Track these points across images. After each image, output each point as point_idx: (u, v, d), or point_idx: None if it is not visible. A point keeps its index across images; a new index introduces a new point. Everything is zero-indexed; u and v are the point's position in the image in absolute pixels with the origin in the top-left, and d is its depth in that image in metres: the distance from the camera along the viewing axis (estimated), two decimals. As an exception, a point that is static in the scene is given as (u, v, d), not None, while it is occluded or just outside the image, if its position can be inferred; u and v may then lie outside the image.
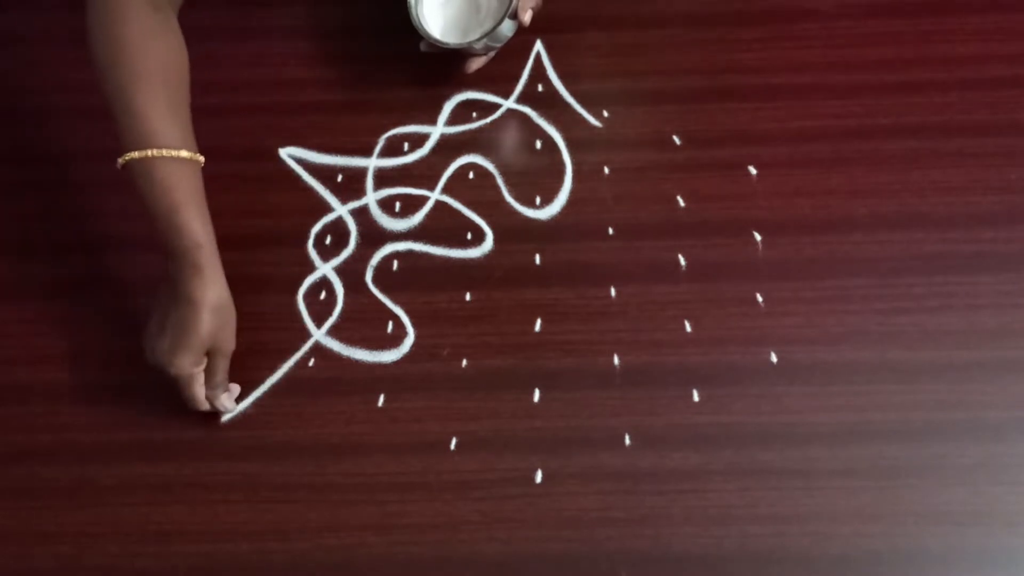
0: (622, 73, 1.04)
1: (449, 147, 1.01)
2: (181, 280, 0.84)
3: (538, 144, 1.00)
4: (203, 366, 0.86)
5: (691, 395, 0.87)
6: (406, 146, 1.01)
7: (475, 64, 1.01)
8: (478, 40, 0.96)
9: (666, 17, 1.06)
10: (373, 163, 1.00)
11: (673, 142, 0.99)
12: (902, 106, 0.99)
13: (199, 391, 0.86)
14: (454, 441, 0.87)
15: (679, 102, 1.02)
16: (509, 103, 1.03)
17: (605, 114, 1.01)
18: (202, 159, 0.87)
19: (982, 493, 0.82)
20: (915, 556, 0.80)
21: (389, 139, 1.01)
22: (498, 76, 1.03)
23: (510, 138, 1.01)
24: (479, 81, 1.03)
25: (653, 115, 1.01)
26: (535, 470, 0.85)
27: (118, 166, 0.84)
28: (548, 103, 1.02)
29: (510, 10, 0.95)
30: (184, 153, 0.85)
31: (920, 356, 0.87)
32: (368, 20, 1.08)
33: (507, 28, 0.96)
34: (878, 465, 0.83)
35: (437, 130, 1.02)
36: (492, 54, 1.01)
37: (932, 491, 0.82)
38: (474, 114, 1.02)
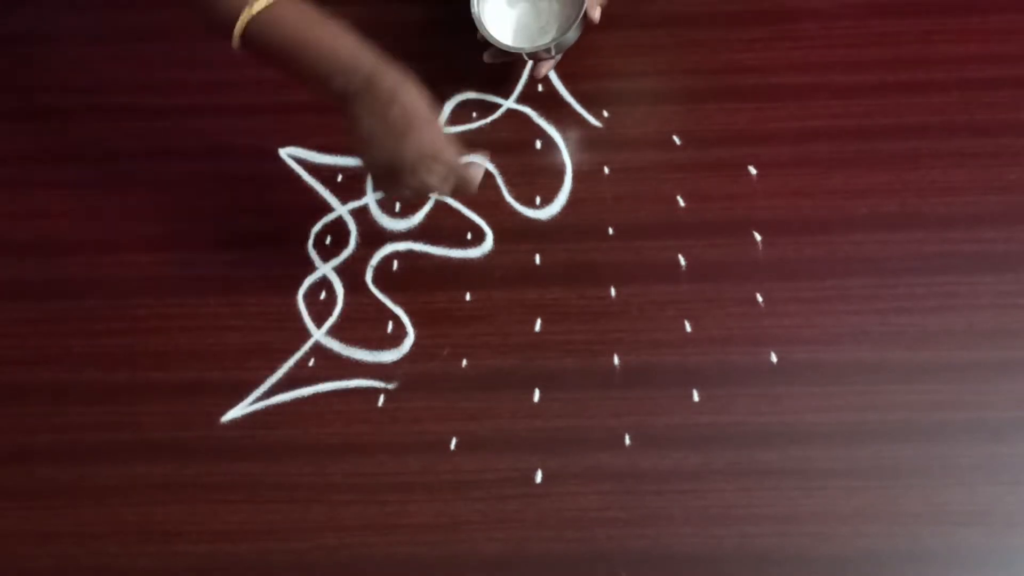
0: (622, 73, 1.04)
1: (449, 147, 1.00)
2: (368, 87, 0.80)
3: (538, 144, 1.00)
4: None
5: (691, 395, 0.87)
6: (406, 146, 1.01)
7: (544, 68, 1.00)
8: (550, 44, 0.95)
9: (666, 17, 1.06)
10: (373, 163, 1.00)
11: (673, 142, 0.99)
12: (902, 106, 0.99)
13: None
14: (454, 441, 0.87)
15: (679, 102, 1.02)
16: (509, 103, 1.03)
17: (605, 114, 1.01)
18: None
19: (982, 493, 0.82)
20: (915, 556, 0.80)
21: (389, 139, 1.01)
22: (498, 76, 1.03)
23: (510, 138, 1.01)
24: (479, 81, 1.03)
25: (653, 115, 1.01)
26: (535, 470, 0.85)
27: (235, 46, 0.81)
28: (548, 103, 1.02)
29: (583, 11, 0.95)
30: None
31: (920, 356, 0.87)
32: (368, 20, 1.08)
33: (575, 30, 0.96)
34: (878, 465, 0.83)
35: (437, 130, 1.01)
36: (559, 57, 1.01)
37: (932, 491, 0.82)
38: (474, 114, 1.02)
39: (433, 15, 1.08)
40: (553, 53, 0.98)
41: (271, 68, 0.83)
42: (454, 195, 0.84)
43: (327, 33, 0.81)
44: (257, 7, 0.80)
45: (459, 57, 1.03)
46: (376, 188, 0.82)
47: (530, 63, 1.02)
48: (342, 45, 0.81)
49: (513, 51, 0.97)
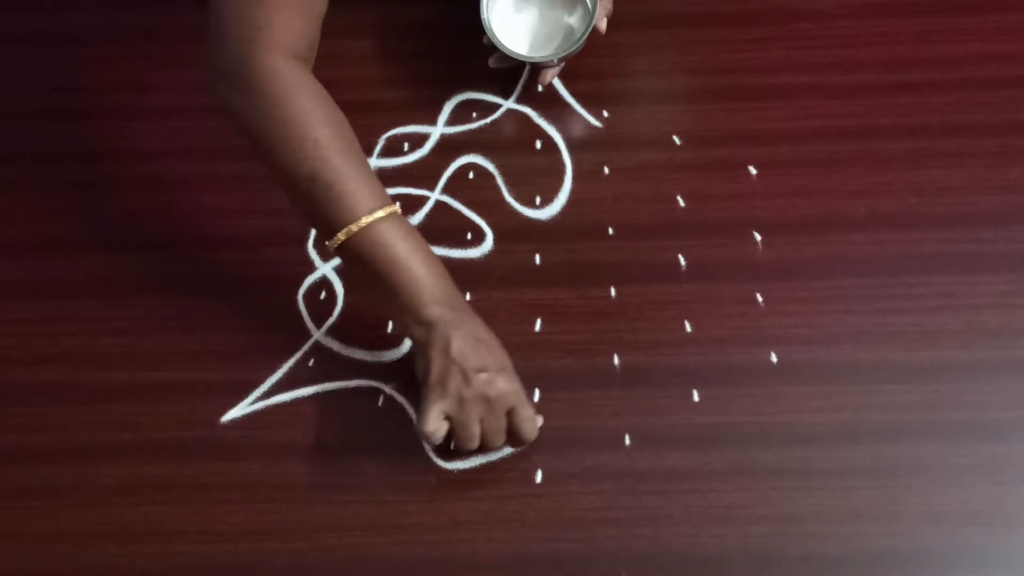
0: (622, 73, 1.04)
1: (449, 147, 1.01)
2: (462, 321, 0.81)
3: (538, 144, 1.00)
4: None
5: (691, 395, 0.87)
6: (406, 146, 1.01)
7: (549, 76, 1.01)
8: (560, 55, 0.96)
9: (666, 17, 1.06)
10: (373, 163, 1.00)
11: (673, 142, 0.99)
12: (902, 106, 0.99)
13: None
14: (454, 441, 0.87)
15: (679, 102, 1.02)
16: (509, 103, 1.03)
17: (605, 114, 1.01)
18: (397, 207, 0.83)
19: (982, 493, 0.82)
20: (915, 556, 0.80)
21: (389, 139, 1.01)
22: (498, 76, 1.03)
23: (510, 138, 1.01)
24: (479, 81, 1.03)
25: (653, 115, 1.01)
26: (535, 470, 0.85)
27: (331, 247, 0.81)
28: (548, 103, 1.02)
29: (591, 25, 0.95)
30: (385, 210, 0.81)
31: (920, 356, 0.87)
32: (368, 20, 1.08)
33: (583, 41, 0.96)
34: (878, 465, 0.83)
35: (437, 130, 1.02)
36: (563, 64, 1.01)
37: (932, 491, 0.82)
38: (474, 114, 1.02)
39: (433, 16, 1.08)
40: (556, 62, 0.98)
41: (359, 275, 0.83)
42: (494, 446, 0.84)
43: (429, 259, 0.82)
44: (365, 220, 0.80)
45: (459, 57, 1.03)
46: (452, 421, 0.82)
47: (528, 68, 1.02)
48: (442, 275, 0.82)
49: (523, 59, 0.97)
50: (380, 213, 0.80)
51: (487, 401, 0.81)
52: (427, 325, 0.81)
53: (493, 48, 0.98)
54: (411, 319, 0.81)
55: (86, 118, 1.04)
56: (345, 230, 0.80)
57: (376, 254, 0.80)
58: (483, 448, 0.83)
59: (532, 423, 0.83)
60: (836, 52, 1.02)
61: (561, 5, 1.00)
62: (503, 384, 0.81)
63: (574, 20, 0.99)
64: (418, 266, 0.81)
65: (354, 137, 0.83)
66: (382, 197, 0.82)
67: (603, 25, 0.97)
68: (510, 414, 0.82)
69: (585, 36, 0.95)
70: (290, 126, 0.80)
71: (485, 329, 0.83)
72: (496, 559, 0.82)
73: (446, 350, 0.80)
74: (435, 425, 0.81)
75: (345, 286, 0.94)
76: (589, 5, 0.96)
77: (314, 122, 0.80)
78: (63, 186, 1.01)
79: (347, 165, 0.81)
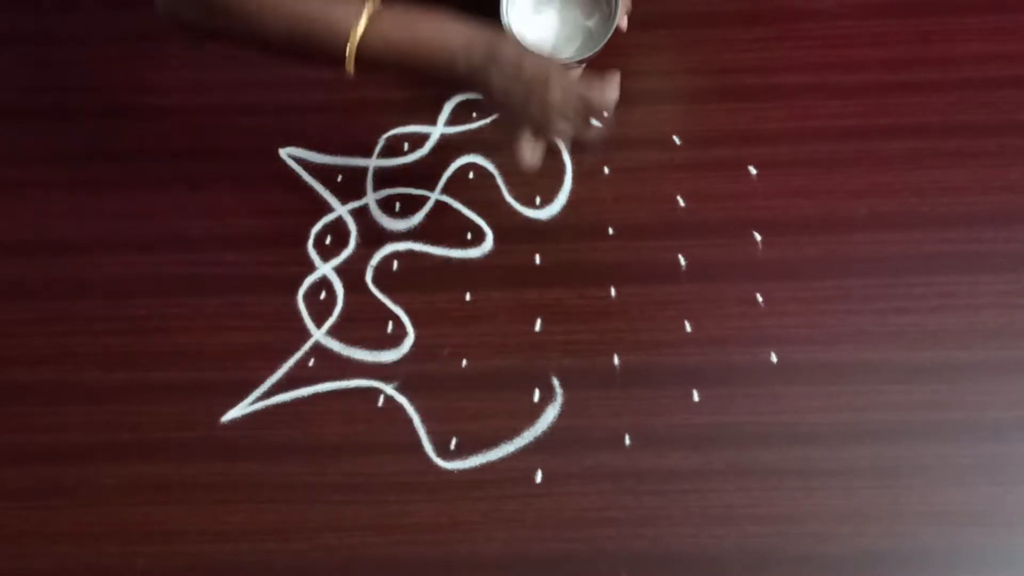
0: (622, 73, 1.04)
1: (449, 147, 1.00)
2: (491, 60, 0.80)
3: (538, 144, 1.00)
4: None
5: (691, 395, 0.87)
6: (406, 146, 1.01)
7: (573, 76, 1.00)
8: (585, 55, 0.95)
9: (666, 17, 1.05)
10: (373, 163, 1.00)
11: (673, 142, 0.99)
12: (902, 106, 0.99)
13: None
14: (454, 441, 0.87)
15: (679, 102, 1.02)
16: (509, 103, 1.03)
17: (605, 114, 1.01)
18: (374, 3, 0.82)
19: (982, 493, 0.82)
20: (915, 556, 0.80)
21: (389, 139, 1.01)
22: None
23: (510, 138, 1.01)
24: (479, 81, 1.03)
25: (653, 115, 1.01)
26: (535, 470, 0.85)
27: (348, 71, 0.82)
28: (548, 103, 1.02)
29: (615, 26, 0.95)
30: (366, 13, 0.81)
31: (920, 356, 0.87)
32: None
33: (606, 39, 0.96)
34: (878, 465, 0.83)
35: (437, 130, 1.02)
36: (584, 65, 1.01)
37: (932, 491, 0.82)
38: (474, 114, 1.02)
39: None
40: (578, 64, 0.98)
41: (392, 78, 0.84)
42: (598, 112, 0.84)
43: (433, 26, 0.82)
44: (359, 31, 0.80)
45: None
46: (535, 136, 0.82)
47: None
48: (451, 31, 0.81)
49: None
50: (361, 24, 0.80)
51: (551, 117, 0.81)
52: (468, 82, 0.82)
53: None
54: (456, 84, 0.84)
55: (86, 118, 1.04)
56: (346, 61, 0.81)
57: (384, 57, 0.81)
58: (582, 125, 0.83)
59: (601, 90, 0.83)
60: (837, 52, 1.02)
61: (580, 7, 1.00)
62: (554, 94, 0.80)
63: (592, 22, 0.99)
64: (423, 42, 0.81)
65: None
66: (351, 7, 0.81)
67: (624, 23, 0.97)
68: (580, 99, 0.82)
69: (608, 37, 0.95)
70: (240, 6, 0.80)
71: (516, 51, 0.82)
72: (496, 559, 0.82)
73: (492, 96, 0.81)
74: (528, 155, 0.82)
75: (345, 286, 0.94)
76: (608, 6, 0.96)
77: None
78: (63, 186, 1.01)
79: (307, 5, 0.81)
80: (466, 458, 0.86)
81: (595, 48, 0.95)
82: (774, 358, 0.88)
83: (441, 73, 0.81)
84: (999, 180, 0.95)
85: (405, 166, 1.00)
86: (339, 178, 0.99)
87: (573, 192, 0.97)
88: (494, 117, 1.01)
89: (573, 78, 0.83)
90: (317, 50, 0.81)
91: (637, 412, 0.87)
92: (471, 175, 0.99)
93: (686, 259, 0.93)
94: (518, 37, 0.96)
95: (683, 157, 0.98)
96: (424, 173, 0.99)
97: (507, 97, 0.81)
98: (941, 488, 0.82)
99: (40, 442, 0.89)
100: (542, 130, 0.82)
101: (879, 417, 0.85)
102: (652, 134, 1.00)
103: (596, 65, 1.02)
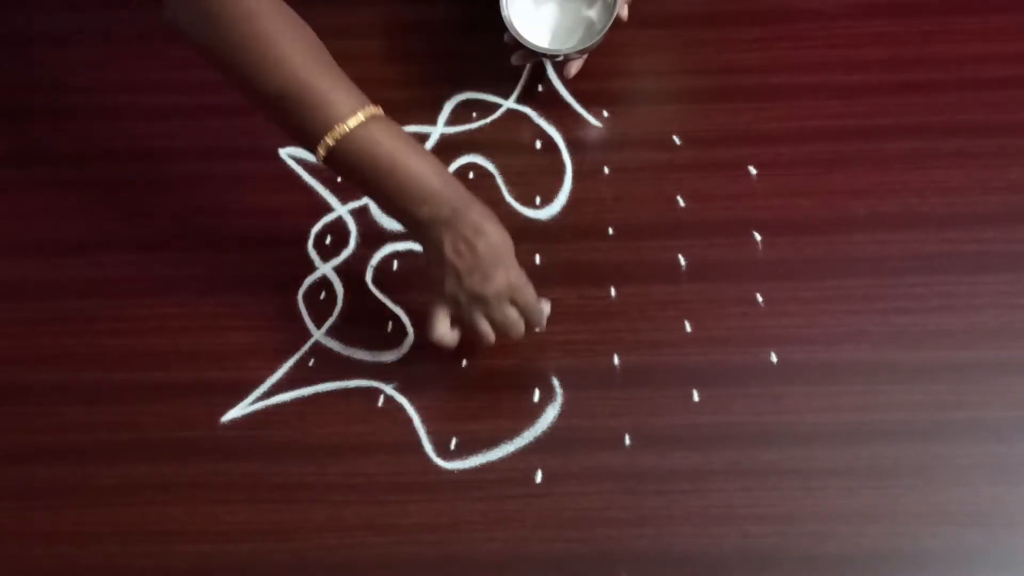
0: (622, 73, 1.04)
1: (449, 147, 1.01)
2: (456, 217, 0.79)
3: (538, 144, 1.00)
4: None
5: (691, 395, 0.87)
6: (406, 146, 1.01)
7: (574, 69, 1.00)
8: (586, 47, 0.95)
9: (666, 17, 1.06)
10: (373, 163, 1.00)
11: (673, 142, 0.99)
12: (902, 106, 0.99)
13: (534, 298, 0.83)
14: (454, 441, 0.87)
15: (679, 102, 1.02)
16: (509, 103, 1.03)
17: (605, 114, 1.01)
18: (379, 109, 0.81)
19: (982, 493, 0.82)
20: (915, 556, 0.80)
21: (389, 139, 1.01)
22: (498, 76, 1.03)
23: (510, 138, 1.01)
24: (479, 81, 1.03)
25: (653, 115, 1.01)
26: (535, 470, 0.85)
27: (318, 160, 0.79)
28: (548, 103, 1.02)
29: (615, 15, 0.94)
30: (365, 112, 0.79)
31: (920, 356, 0.87)
32: (367, 20, 1.08)
33: (606, 31, 0.96)
34: (878, 465, 0.83)
35: (437, 130, 1.02)
36: (585, 56, 1.01)
37: (932, 491, 0.82)
38: (474, 114, 1.02)
39: (434, 16, 1.08)
40: (579, 54, 0.98)
41: (350, 183, 0.82)
42: (515, 337, 0.83)
43: (418, 158, 0.80)
44: (351, 123, 0.78)
45: (459, 57, 1.03)
46: (456, 316, 0.81)
47: (551, 63, 1.02)
48: (433, 171, 0.80)
49: (549, 53, 0.96)
50: (353, 121, 0.78)
51: (483, 299, 0.80)
52: (420, 227, 0.80)
53: (514, 47, 0.98)
54: (407, 222, 0.81)
55: (86, 118, 1.04)
56: (322, 143, 0.78)
57: (359, 161, 0.79)
58: (502, 339, 0.83)
59: (535, 311, 0.83)
60: (837, 52, 1.02)
61: None
62: (498, 279, 0.80)
63: (593, 12, 0.99)
64: (403, 168, 0.79)
65: (322, 48, 0.81)
66: (357, 100, 0.79)
67: (624, 12, 0.97)
68: (515, 304, 0.82)
69: (608, 26, 0.95)
70: (253, 45, 0.78)
71: (484, 219, 0.80)
72: (496, 559, 0.82)
73: (440, 252, 0.79)
74: (440, 330, 0.81)
75: (345, 286, 0.94)
76: None
77: (276, 39, 0.78)
78: (63, 186, 1.01)
79: (315, 76, 0.78)
80: (466, 458, 0.86)
81: (595, 38, 0.95)
82: (774, 358, 0.88)
83: (403, 205, 0.79)
84: (999, 180, 0.95)
85: (405, 166, 1.00)
86: (339, 178, 0.99)
87: (573, 192, 0.97)
88: (494, 118, 1.02)
89: (521, 274, 0.82)
90: (297, 123, 0.79)
91: (637, 412, 0.87)
92: (471, 175, 0.99)
93: (686, 259, 0.93)
94: (518, 30, 0.96)
95: (683, 157, 0.98)
96: (424, 173, 0.99)
97: (451, 259, 0.79)
98: (941, 488, 0.82)
99: (40, 442, 0.89)
100: (465, 309, 0.80)
101: (879, 417, 0.85)
102: (652, 134, 1.00)
103: (598, 61, 1.02)
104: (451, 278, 0.80)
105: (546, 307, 0.85)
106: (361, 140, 0.78)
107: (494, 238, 0.80)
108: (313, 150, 0.79)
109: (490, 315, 0.81)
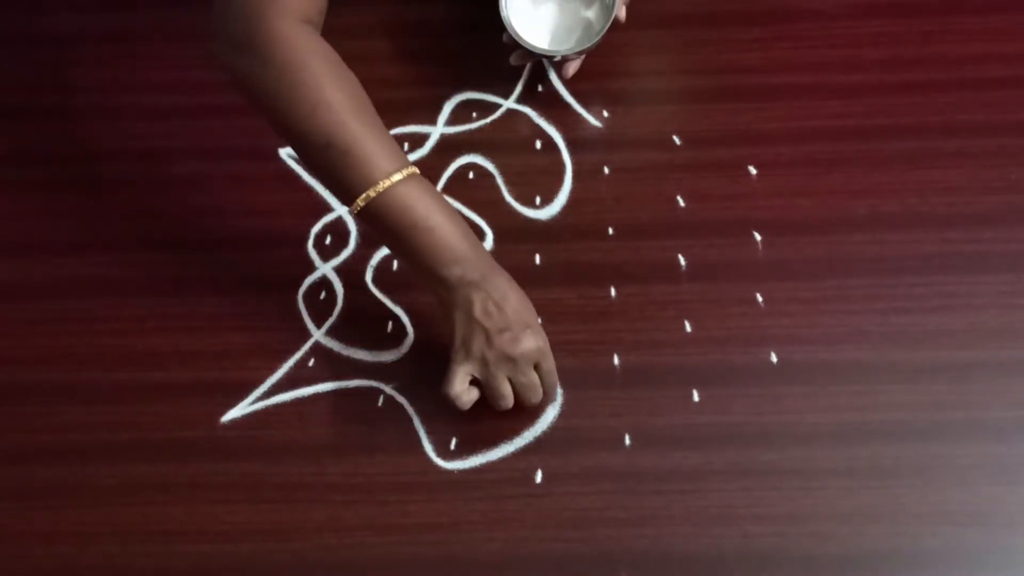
0: (622, 73, 1.04)
1: (449, 147, 1.01)
2: (484, 281, 0.81)
3: (538, 144, 1.00)
4: None
5: (691, 395, 0.87)
6: (406, 146, 1.01)
7: (572, 69, 1.01)
8: (584, 46, 0.96)
9: (666, 17, 1.06)
10: (373, 163, 1.00)
11: (673, 142, 0.99)
12: (902, 106, 0.99)
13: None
14: (454, 441, 0.87)
15: (679, 102, 1.02)
16: (509, 103, 1.03)
17: (605, 114, 1.01)
18: (416, 170, 0.82)
19: (982, 493, 0.82)
20: (915, 556, 0.80)
21: (389, 139, 1.01)
22: (498, 76, 1.03)
23: (510, 138, 1.01)
24: (479, 81, 1.03)
25: (653, 115, 1.01)
26: (535, 470, 0.85)
27: (352, 211, 0.81)
28: (548, 103, 1.02)
29: (613, 15, 0.95)
30: (406, 171, 0.81)
31: (920, 356, 0.87)
32: (367, 20, 1.08)
33: (604, 32, 0.96)
34: (878, 465, 0.83)
35: (437, 130, 1.02)
36: (584, 56, 1.01)
37: (932, 491, 0.82)
38: (474, 114, 1.02)
39: (434, 15, 1.08)
40: (578, 55, 0.98)
41: (380, 236, 0.83)
42: (531, 403, 0.85)
43: (453, 220, 0.81)
44: (395, 178, 0.80)
45: (459, 57, 1.03)
46: (476, 376, 0.82)
47: (552, 63, 1.02)
48: (464, 235, 0.81)
49: (547, 54, 0.96)
50: (397, 176, 0.80)
51: (511, 360, 0.81)
52: (449, 287, 0.81)
53: (513, 47, 0.98)
54: (434, 281, 0.81)
55: (86, 118, 1.05)
56: (364, 196, 0.79)
57: (396, 218, 0.80)
58: (519, 405, 0.84)
59: (555, 379, 0.84)
60: (837, 52, 1.02)
61: None
62: (527, 342, 0.81)
63: (592, 13, 0.99)
64: (438, 228, 0.80)
65: (368, 100, 0.82)
66: (399, 159, 0.81)
67: (623, 14, 0.97)
68: (537, 369, 0.83)
69: (607, 27, 0.95)
70: (302, 91, 0.79)
71: (509, 285, 0.82)
72: (496, 559, 0.82)
73: (469, 312, 0.80)
74: (460, 388, 0.81)
75: (345, 286, 0.94)
76: None
77: (326, 86, 0.79)
78: (63, 186, 1.01)
79: (362, 128, 0.80)
80: (466, 458, 0.86)
81: (594, 39, 0.95)
82: (774, 358, 0.88)
83: (434, 265, 0.80)
84: (999, 180, 0.95)
85: (405, 166, 1.00)
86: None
87: (573, 192, 0.97)
88: (494, 118, 1.02)
89: (547, 340, 0.83)
90: (340, 172, 0.80)
91: (637, 412, 0.87)
92: (471, 175, 0.99)
93: (686, 259, 0.93)
94: (517, 31, 0.96)
95: (683, 157, 0.98)
96: (424, 173, 0.98)
97: (481, 320, 0.80)
98: (941, 488, 0.82)
99: (40, 442, 0.89)
100: (491, 370, 0.81)
101: (879, 417, 0.85)
102: (652, 134, 1.00)
103: (598, 61, 1.02)
104: (479, 338, 0.80)
105: (555, 389, 0.86)
106: (402, 197, 0.80)
107: (522, 303, 0.82)
108: (350, 200, 0.80)
109: (514, 377, 0.82)
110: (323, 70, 0.80)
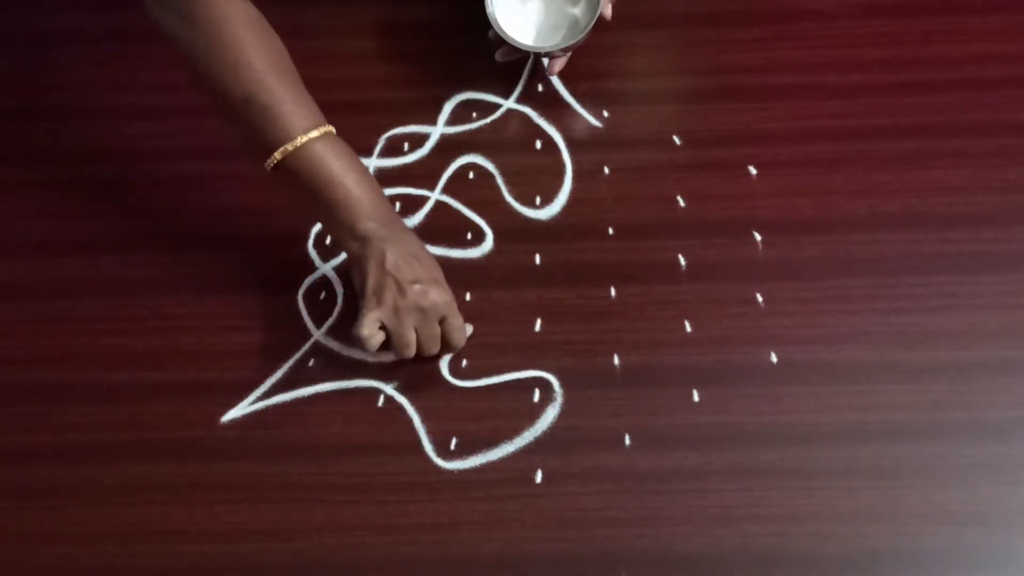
0: (622, 73, 1.04)
1: (449, 147, 1.01)
2: (396, 237, 0.85)
3: (538, 144, 1.00)
4: None
5: (691, 395, 0.87)
6: (406, 146, 1.01)
7: (558, 66, 1.01)
8: (569, 45, 0.96)
9: (666, 17, 1.06)
10: (373, 163, 1.00)
11: (673, 142, 0.99)
12: (902, 106, 0.99)
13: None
14: (454, 441, 0.87)
15: (679, 102, 1.02)
16: (509, 103, 1.03)
17: (605, 114, 1.01)
18: (332, 129, 0.85)
19: (982, 493, 0.82)
20: (915, 556, 0.80)
21: (389, 139, 1.01)
22: (498, 76, 1.03)
23: (510, 138, 1.01)
24: (479, 81, 1.03)
25: (653, 115, 1.01)
26: (535, 470, 0.85)
27: (268, 166, 0.84)
28: (548, 103, 1.02)
29: (598, 12, 0.95)
30: (321, 129, 0.84)
31: (920, 356, 0.87)
32: (368, 20, 1.08)
33: (590, 29, 0.96)
34: (878, 465, 0.83)
35: (437, 130, 1.02)
36: (570, 53, 1.01)
37: (932, 491, 0.82)
38: (474, 114, 1.02)
39: (433, 16, 1.08)
40: (563, 52, 0.98)
41: (293, 193, 0.86)
42: (430, 353, 0.88)
43: (368, 178, 0.86)
44: (313, 134, 0.83)
45: (459, 57, 1.03)
46: (385, 325, 0.85)
47: (543, 60, 1.02)
48: (378, 193, 0.86)
49: (531, 50, 0.96)
50: (315, 133, 0.83)
51: (421, 310, 0.85)
52: (363, 240, 0.84)
53: (499, 43, 0.98)
54: (347, 234, 0.84)
55: (85, 118, 1.04)
56: (281, 149, 0.82)
57: (312, 172, 0.83)
58: (419, 354, 0.87)
59: (461, 332, 0.88)
60: (837, 52, 1.02)
61: None
62: (435, 295, 0.85)
63: (578, 10, 0.99)
64: (353, 184, 0.84)
65: (289, 61, 0.86)
66: (316, 117, 0.84)
67: (608, 11, 0.97)
68: (442, 323, 0.86)
69: (592, 24, 0.95)
70: (224, 49, 0.82)
71: (419, 245, 0.87)
72: (496, 559, 0.82)
73: (381, 263, 0.84)
74: (370, 330, 0.84)
75: (345, 286, 0.94)
76: None
77: (247, 45, 0.83)
78: (63, 186, 1.01)
79: (281, 86, 0.83)
80: (466, 458, 0.86)
81: (579, 36, 0.95)
82: (774, 358, 0.88)
83: (349, 218, 0.84)
84: (999, 180, 0.95)
85: (405, 166, 1.00)
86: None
87: (573, 192, 0.98)
88: (494, 118, 1.02)
89: (450, 299, 0.87)
90: (257, 127, 0.83)
91: (637, 412, 0.87)
92: (471, 175, 0.99)
93: (686, 259, 0.93)
94: (502, 27, 0.96)
95: (683, 157, 0.98)
96: (424, 173, 0.99)
97: (393, 272, 0.84)
98: (941, 488, 0.82)
99: (40, 442, 0.89)
100: (400, 319, 0.85)
101: (879, 417, 0.85)
102: (652, 134, 1.00)
103: (598, 61, 1.02)
104: (391, 288, 0.84)
105: (468, 329, 0.89)
106: (319, 153, 0.83)
107: (431, 260, 0.87)
108: (267, 155, 0.83)
109: (420, 328, 0.85)
110: (245, 29, 0.83)
